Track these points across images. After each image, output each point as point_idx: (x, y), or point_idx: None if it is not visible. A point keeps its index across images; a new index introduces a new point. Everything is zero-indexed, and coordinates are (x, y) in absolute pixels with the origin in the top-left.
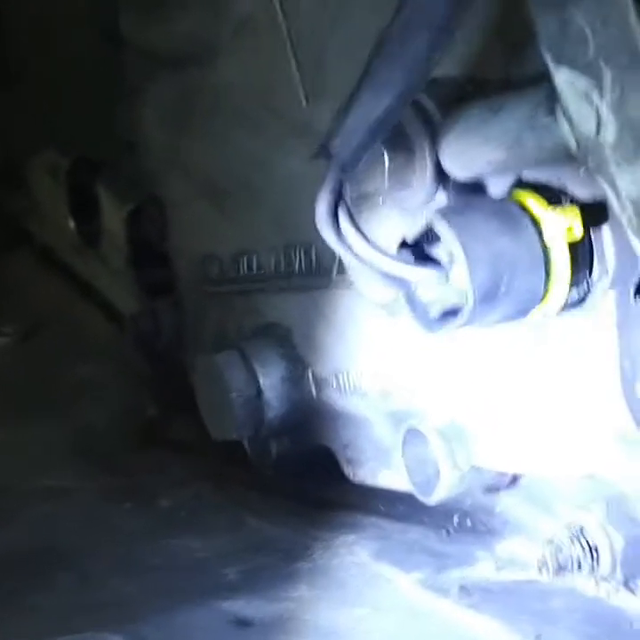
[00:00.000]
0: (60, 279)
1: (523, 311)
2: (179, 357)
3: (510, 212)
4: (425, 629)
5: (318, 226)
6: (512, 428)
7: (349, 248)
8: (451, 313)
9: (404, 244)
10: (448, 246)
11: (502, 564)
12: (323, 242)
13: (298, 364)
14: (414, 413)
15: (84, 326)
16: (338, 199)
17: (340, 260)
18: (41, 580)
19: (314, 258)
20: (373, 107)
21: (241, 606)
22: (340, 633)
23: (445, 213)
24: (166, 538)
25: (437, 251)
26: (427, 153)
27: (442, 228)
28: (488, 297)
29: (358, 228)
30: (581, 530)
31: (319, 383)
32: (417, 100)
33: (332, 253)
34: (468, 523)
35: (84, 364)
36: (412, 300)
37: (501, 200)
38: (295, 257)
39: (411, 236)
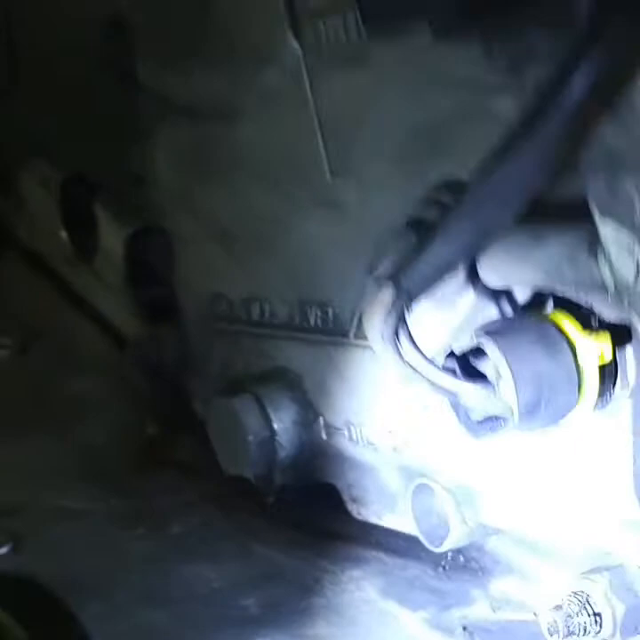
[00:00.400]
0: (52, 289)
1: (557, 421)
2: (182, 382)
3: (550, 336)
4: None
5: (376, 341)
6: (523, 496)
7: (404, 360)
8: (493, 419)
9: (451, 354)
10: (495, 365)
11: (498, 604)
12: (340, 303)
13: (309, 409)
14: (425, 470)
15: (78, 339)
16: (400, 322)
17: (359, 324)
18: None
19: (331, 317)
20: (443, 254)
21: None
22: None
23: (492, 335)
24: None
25: (484, 365)
26: None
27: (490, 350)
28: (530, 412)
29: (416, 345)
30: (588, 599)
31: (330, 429)
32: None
33: (351, 315)
34: (461, 559)
35: (80, 378)
36: (456, 406)
37: (541, 322)
38: (311, 313)
39: (458, 348)
